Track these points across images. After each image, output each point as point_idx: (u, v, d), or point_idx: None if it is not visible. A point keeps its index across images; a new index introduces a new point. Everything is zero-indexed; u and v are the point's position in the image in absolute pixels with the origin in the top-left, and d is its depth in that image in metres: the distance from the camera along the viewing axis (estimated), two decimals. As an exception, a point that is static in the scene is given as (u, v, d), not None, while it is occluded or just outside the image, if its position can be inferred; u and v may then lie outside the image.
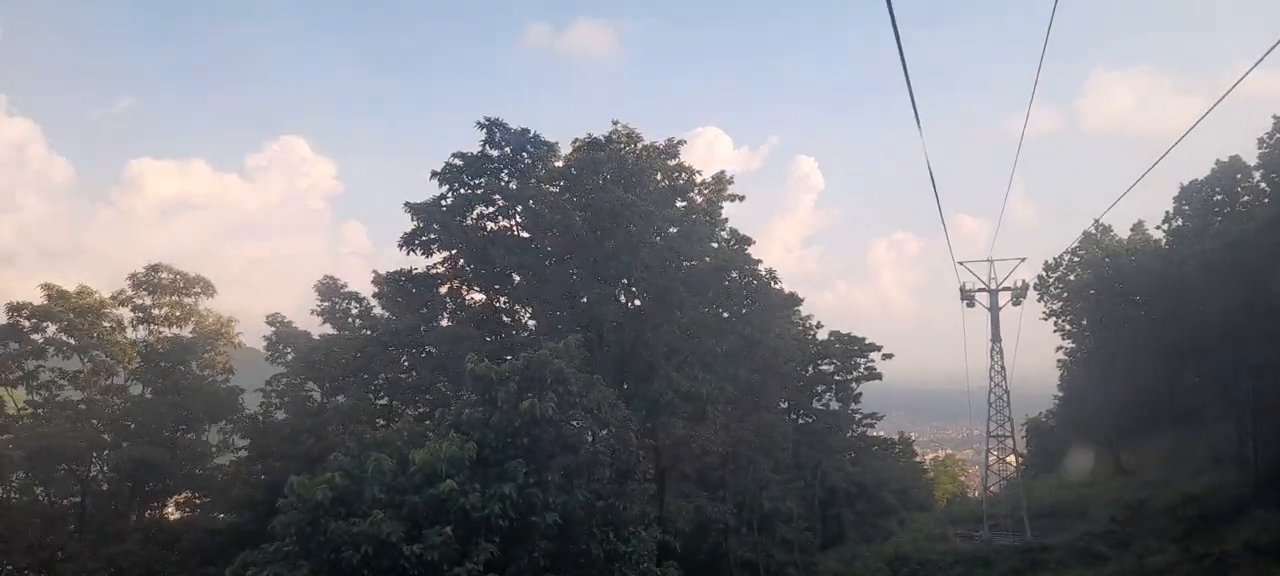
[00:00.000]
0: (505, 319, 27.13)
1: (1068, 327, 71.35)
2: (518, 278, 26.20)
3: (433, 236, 24.75)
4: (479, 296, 26.98)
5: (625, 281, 24.71)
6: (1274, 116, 50.16)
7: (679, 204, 28.21)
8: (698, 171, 27.88)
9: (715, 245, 28.75)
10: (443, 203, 24.44)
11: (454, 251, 25.39)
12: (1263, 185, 50.68)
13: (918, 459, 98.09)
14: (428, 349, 26.66)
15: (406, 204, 24.09)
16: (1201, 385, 57.06)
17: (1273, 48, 10.00)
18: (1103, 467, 64.52)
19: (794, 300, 33.48)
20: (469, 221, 25.30)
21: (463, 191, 24.43)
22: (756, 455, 42.14)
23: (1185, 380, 59.01)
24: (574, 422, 16.75)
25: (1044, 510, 55.57)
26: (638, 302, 27.84)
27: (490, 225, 25.72)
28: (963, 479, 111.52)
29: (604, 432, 17.98)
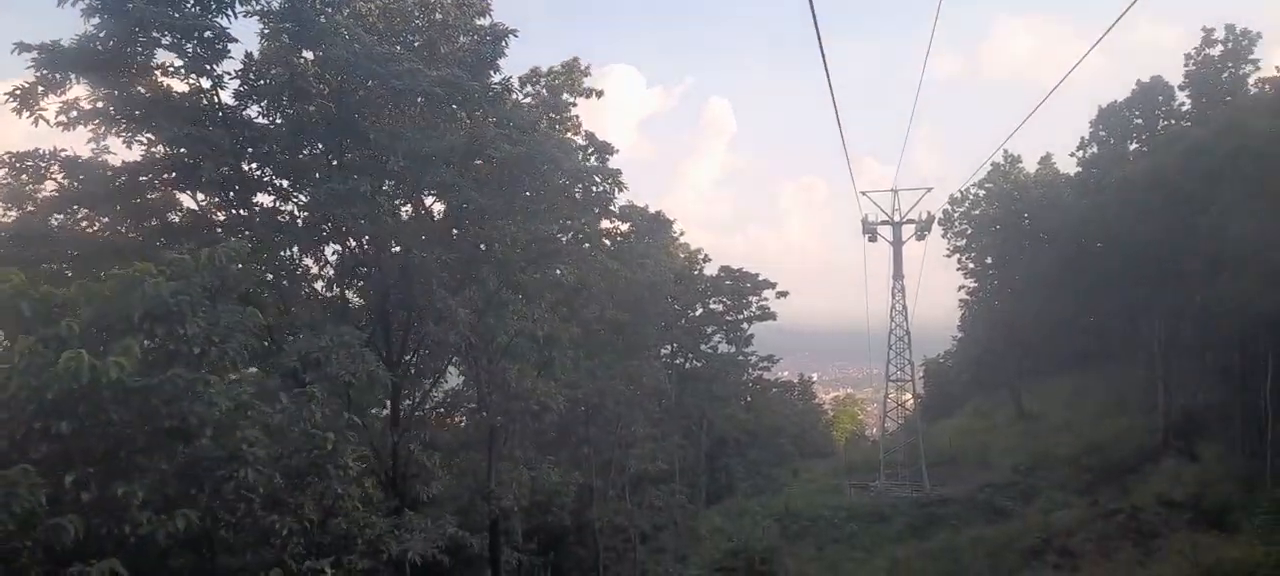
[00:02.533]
0: (248, 231, 18.09)
1: (971, 266, 67.79)
2: (245, 165, 17.21)
3: (92, 105, 15.49)
4: (187, 199, 17.91)
5: (378, 174, 16.68)
6: (1202, 28, 46.10)
7: (493, 78, 20.20)
8: (514, 31, 19.58)
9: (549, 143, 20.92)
10: (95, 44, 14.72)
11: (122, 124, 16.14)
12: (1186, 106, 46.72)
13: (817, 401, 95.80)
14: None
15: (17, 44, 14.42)
16: (1109, 325, 53.97)
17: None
18: (1004, 411, 62.13)
19: (660, 222, 26.64)
20: (142, 78, 16.04)
21: (131, 26, 14.71)
22: (626, 407, 36.18)
23: (1091, 319, 55.80)
24: (207, 388, 9.44)
25: (943, 458, 52.72)
26: (425, 210, 20.34)
27: (178, 85, 16.44)
28: (861, 417, 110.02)
29: (279, 405, 10.82)
